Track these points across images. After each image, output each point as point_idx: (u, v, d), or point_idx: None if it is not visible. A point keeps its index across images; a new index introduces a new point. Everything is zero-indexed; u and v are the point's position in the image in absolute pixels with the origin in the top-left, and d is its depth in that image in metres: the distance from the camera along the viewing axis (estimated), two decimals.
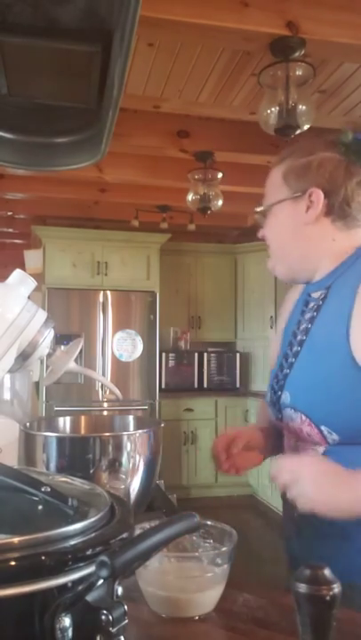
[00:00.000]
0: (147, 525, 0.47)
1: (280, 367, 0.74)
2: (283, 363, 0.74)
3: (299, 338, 0.73)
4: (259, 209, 0.77)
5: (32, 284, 0.65)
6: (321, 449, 0.66)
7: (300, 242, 0.73)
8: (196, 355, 3.87)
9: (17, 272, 0.65)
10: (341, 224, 0.70)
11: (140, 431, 0.73)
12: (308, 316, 0.73)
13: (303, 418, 0.67)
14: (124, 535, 0.37)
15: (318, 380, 0.66)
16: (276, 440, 0.77)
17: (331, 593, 0.40)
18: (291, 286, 0.82)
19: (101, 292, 3.53)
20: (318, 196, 0.70)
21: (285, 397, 0.71)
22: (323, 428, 0.65)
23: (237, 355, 3.96)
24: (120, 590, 0.35)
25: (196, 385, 3.85)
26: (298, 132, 1.63)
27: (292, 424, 0.69)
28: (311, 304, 0.74)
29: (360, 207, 0.69)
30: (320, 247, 0.71)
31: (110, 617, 0.33)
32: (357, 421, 0.62)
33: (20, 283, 0.64)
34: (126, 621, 0.33)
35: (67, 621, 0.33)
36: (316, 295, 0.73)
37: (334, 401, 0.64)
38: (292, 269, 0.75)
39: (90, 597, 0.34)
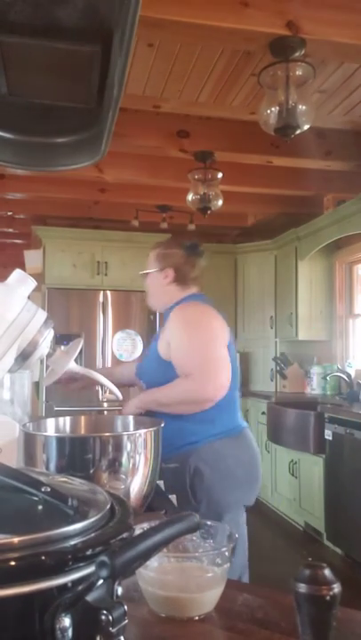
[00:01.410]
0: (147, 525, 0.47)
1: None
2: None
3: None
4: (141, 272, 1.41)
5: (32, 284, 0.65)
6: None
7: (161, 294, 1.38)
8: None
9: (17, 272, 0.65)
10: (180, 285, 1.36)
11: (140, 431, 0.73)
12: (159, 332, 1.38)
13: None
14: (124, 535, 0.37)
15: (146, 364, 1.36)
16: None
17: (331, 593, 0.40)
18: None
19: (101, 292, 3.53)
20: (170, 273, 1.36)
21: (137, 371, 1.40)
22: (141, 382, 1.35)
23: (237, 355, 3.95)
24: (120, 590, 0.35)
25: None
26: (298, 131, 1.63)
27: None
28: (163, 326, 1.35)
29: (191, 279, 1.37)
30: (170, 296, 1.36)
31: (110, 617, 0.33)
32: (155, 381, 1.26)
33: (20, 283, 0.64)
34: (126, 621, 0.33)
35: (67, 621, 0.32)
36: (164, 318, 1.35)
37: (149, 373, 1.33)
38: (158, 306, 1.42)
39: (90, 597, 0.34)
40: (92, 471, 0.64)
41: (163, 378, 1.21)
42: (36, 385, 3.08)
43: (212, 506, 1.12)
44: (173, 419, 1.11)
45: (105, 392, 3.43)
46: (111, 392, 1.00)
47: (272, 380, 3.83)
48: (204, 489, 1.13)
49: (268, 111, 1.65)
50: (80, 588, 0.34)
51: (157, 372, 1.25)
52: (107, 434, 0.71)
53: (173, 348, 1.22)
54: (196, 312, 1.29)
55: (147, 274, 1.37)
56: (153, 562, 0.51)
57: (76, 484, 0.47)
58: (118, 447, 0.66)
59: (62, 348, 0.76)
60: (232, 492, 1.16)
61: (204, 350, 1.22)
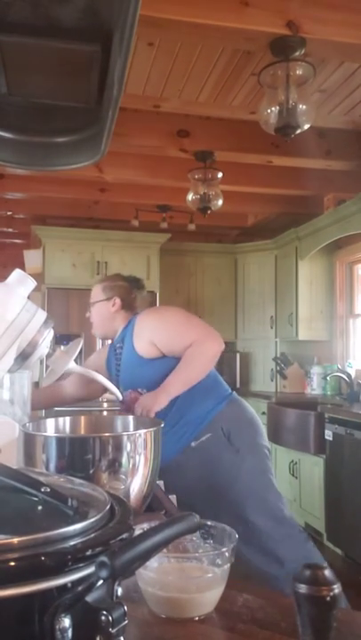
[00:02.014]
0: (147, 526, 0.47)
1: (115, 376, 1.51)
2: (114, 374, 1.53)
3: (117, 365, 1.51)
4: (92, 301, 1.57)
5: (32, 283, 0.64)
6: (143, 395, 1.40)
7: (109, 320, 1.55)
8: None
9: (17, 272, 0.65)
10: (125, 312, 1.54)
11: (139, 431, 0.73)
12: (118, 355, 1.52)
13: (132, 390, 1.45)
14: (124, 536, 0.37)
15: (131, 373, 1.45)
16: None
17: (331, 594, 0.40)
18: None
19: None
20: (117, 301, 1.55)
21: (122, 386, 1.47)
22: (139, 389, 1.43)
23: (237, 355, 3.96)
24: (120, 591, 0.35)
25: None
26: (298, 131, 1.63)
27: (127, 394, 1.44)
28: (117, 351, 1.52)
29: (135, 306, 1.55)
30: (118, 321, 1.54)
31: (110, 617, 0.33)
32: (150, 381, 1.39)
33: (20, 283, 0.63)
34: (126, 622, 0.33)
35: (66, 622, 0.32)
36: (119, 345, 1.52)
37: (139, 377, 1.43)
38: (106, 332, 1.58)
39: (90, 598, 0.33)
40: (91, 471, 0.64)
41: (160, 373, 1.36)
42: (36, 385, 3.08)
43: (253, 448, 1.40)
44: (184, 402, 1.35)
45: (105, 392, 3.42)
46: (111, 392, 1.01)
47: (272, 380, 3.82)
48: (240, 440, 1.38)
49: (269, 111, 1.65)
50: (80, 588, 0.33)
51: (151, 371, 1.39)
52: (106, 434, 0.70)
53: (167, 337, 1.39)
54: (160, 307, 1.60)
55: (93, 305, 1.55)
56: (153, 562, 0.51)
57: (75, 484, 0.47)
58: (118, 447, 0.66)
59: (62, 347, 0.76)
60: (256, 437, 1.43)
61: (189, 318, 1.46)
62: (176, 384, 1.34)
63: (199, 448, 1.35)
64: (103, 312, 1.54)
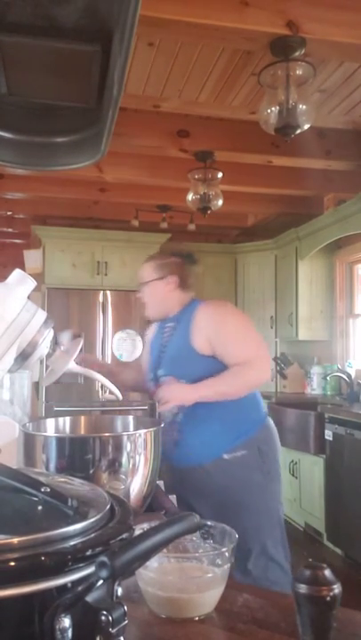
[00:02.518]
0: (147, 526, 0.47)
1: (157, 358, 1.44)
2: (158, 357, 1.44)
3: (162, 345, 1.44)
4: (143, 282, 1.46)
5: (32, 283, 0.64)
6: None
7: (165, 301, 1.45)
8: None
9: (16, 272, 0.65)
10: (181, 291, 1.45)
11: (139, 431, 0.73)
12: (165, 335, 1.44)
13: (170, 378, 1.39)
14: (124, 536, 0.37)
15: (176, 360, 1.38)
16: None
17: (331, 594, 0.40)
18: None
19: (101, 292, 3.53)
20: (174, 279, 1.44)
21: (161, 372, 1.42)
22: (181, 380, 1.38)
23: None
24: (120, 591, 0.35)
25: None
26: (298, 131, 1.63)
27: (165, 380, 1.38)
28: (165, 330, 1.45)
29: (191, 284, 1.46)
30: (175, 302, 1.44)
31: (110, 617, 0.33)
32: (192, 374, 1.34)
33: (20, 283, 0.63)
34: (126, 622, 0.33)
35: (66, 622, 0.32)
36: (169, 325, 1.44)
37: (184, 367, 1.37)
38: (160, 314, 1.46)
39: (90, 598, 0.33)
40: (91, 471, 0.64)
41: (204, 371, 1.31)
42: (36, 385, 3.08)
43: (277, 473, 1.40)
44: (226, 412, 1.32)
45: (105, 392, 3.43)
46: (111, 392, 1.01)
47: (272, 380, 3.82)
48: (270, 463, 1.37)
49: (269, 111, 1.65)
50: (80, 588, 0.33)
51: (197, 366, 1.33)
52: (106, 434, 0.70)
53: (224, 342, 1.32)
54: (229, 307, 1.48)
55: (145, 284, 1.43)
56: (153, 562, 0.51)
57: (75, 484, 0.47)
58: (118, 447, 0.66)
59: (62, 348, 0.76)
60: (279, 462, 1.43)
61: (254, 336, 1.39)
62: (210, 391, 1.29)
63: (232, 463, 1.31)
64: (157, 292, 1.43)
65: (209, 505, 1.30)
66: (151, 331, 1.53)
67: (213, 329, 1.33)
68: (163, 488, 0.98)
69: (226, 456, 1.32)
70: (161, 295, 1.43)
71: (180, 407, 1.32)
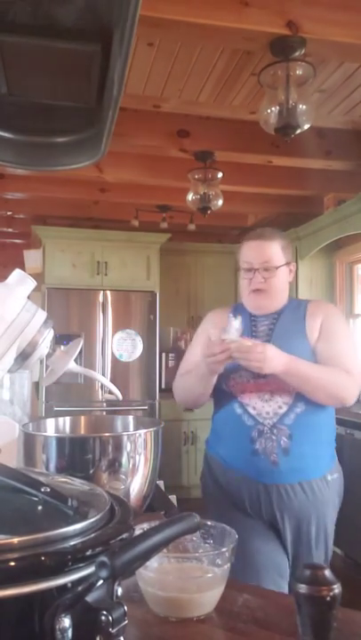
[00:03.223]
0: (147, 526, 0.47)
1: None
2: None
3: (253, 335, 1.23)
4: (270, 267, 1.22)
5: (32, 283, 0.64)
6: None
7: (284, 291, 1.26)
8: None
9: (16, 272, 0.65)
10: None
11: (140, 431, 0.73)
12: (262, 329, 1.25)
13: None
14: (124, 536, 0.37)
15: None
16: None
17: (331, 594, 0.40)
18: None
19: (101, 292, 3.53)
20: (293, 267, 1.28)
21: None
22: None
23: None
24: (120, 591, 0.35)
25: None
26: (298, 131, 1.63)
27: (276, 378, 1.16)
28: (262, 324, 1.25)
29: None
30: (286, 293, 1.27)
31: (110, 617, 0.33)
32: None
33: (20, 283, 0.63)
34: (126, 622, 0.33)
35: (66, 622, 0.32)
36: (267, 320, 1.25)
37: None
38: (275, 305, 1.25)
39: (90, 598, 0.33)
40: (91, 471, 0.64)
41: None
42: (36, 385, 3.08)
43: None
44: (329, 421, 1.22)
45: (105, 392, 3.43)
46: (111, 392, 1.00)
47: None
48: (342, 489, 1.30)
49: (269, 111, 1.65)
50: (80, 588, 0.33)
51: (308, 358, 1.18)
52: (106, 434, 0.70)
53: (336, 342, 1.17)
54: (332, 306, 1.35)
55: (274, 269, 1.20)
56: (153, 562, 0.51)
57: (75, 484, 0.47)
58: (118, 447, 0.66)
59: (62, 348, 0.76)
60: None
61: (354, 346, 1.25)
62: (300, 371, 1.10)
63: (331, 483, 1.20)
64: (284, 279, 1.23)
65: (297, 529, 1.16)
66: (218, 325, 1.19)
67: (331, 326, 1.18)
68: (163, 488, 0.98)
69: (329, 477, 1.19)
70: (285, 284, 1.23)
71: (289, 404, 1.13)
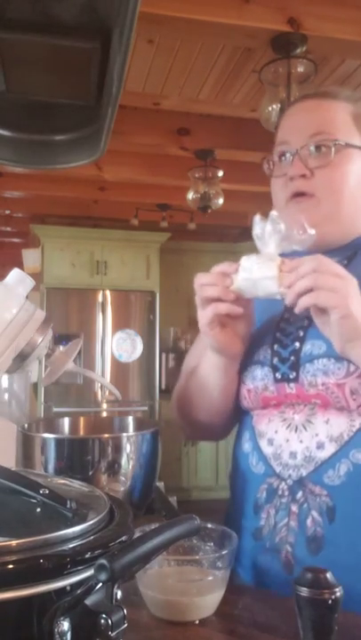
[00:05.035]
0: (146, 528, 0.46)
1: (277, 338, 0.63)
2: (282, 332, 0.63)
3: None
4: (325, 141, 0.59)
5: (30, 283, 0.64)
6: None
7: (359, 203, 0.61)
8: None
9: (15, 271, 0.64)
10: None
11: (139, 432, 0.72)
12: None
13: (351, 368, 0.54)
14: (124, 538, 0.37)
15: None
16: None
17: (333, 597, 0.40)
18: None
19: (101, 292, 3.53)
20: None
21: (311, 350, 0.58)
22: None
23: None
24: (119, 594, 0.34)
25: None
26: None
27: (321, 381, 0.56)
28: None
29: None
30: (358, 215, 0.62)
31: (109, 621, 0.32)
32: None
33: (19, 282, 0.63)
34: (125, 625, 0.33)
35: (65, 625, 0.32)
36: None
37: None
38: (343, 230, 0.61)
39: (89, 601, 0.33)
40: (91, 473, 0.63)
41: None
42: (35, 385, 3.07)
43: None
44: None
45: (104, 393, 3.42)
46: (111, 392, 1.00)
47: None
48: None
49: (270, 108, 1.64)
50: (79, 591, 0.33)
51: None
52: (106, 435, 0.70)
53: None
54: None
55: (340, 147, 0.61)
56: (153, 565, 0.50)
57: (74, 486, 0.47)
58: (118, 449, 0.66)
59: (61, 348, 0.76)
60: None
61: None
62: None
63: None
64: (356, 176, 0.62)
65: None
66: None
67: None
68: (163, 490, 0.98)
69: None
70: (358, 186, 0.63)
71: (343, 441, 0.56)
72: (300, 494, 0.56)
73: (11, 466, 0.59)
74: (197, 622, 0.50)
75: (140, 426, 0.83)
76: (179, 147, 2.41)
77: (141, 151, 2.59)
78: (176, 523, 0.39)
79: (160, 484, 0.77)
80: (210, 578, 0.51)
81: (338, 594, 0.40)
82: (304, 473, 0.56)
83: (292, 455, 0.57)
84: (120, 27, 0.54)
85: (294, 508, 0.56)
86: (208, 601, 0.51)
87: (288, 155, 0.63)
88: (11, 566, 0.32)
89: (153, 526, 0.40)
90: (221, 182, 2.63)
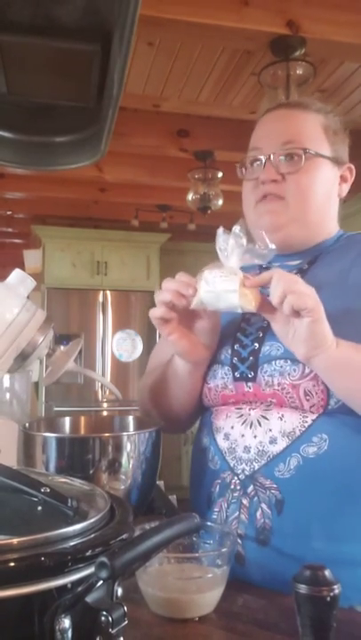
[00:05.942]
0: (147, 526, 0.47)
1: (237, 338, 0.64)
2: (242, 332, 0.64)
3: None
4: (295, 149, 0.62)
5: (31, 283, 0.64)
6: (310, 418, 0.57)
7: (326, 210, 0.67)
8: None
9: (16, 272, 0.65)
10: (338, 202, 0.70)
11: (140, 432, 0.73)
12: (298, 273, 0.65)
13: (306, 370, 0.56)
14: (124, 536, 0.37)
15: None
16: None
17: (331, 594, 0.40)
18: None
19: (101, 292, 3.53)
20: (353, 174, 0.68)
21: (270, 350, 0.59)
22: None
23: None
24: (120, 591, 0.35)
25: None
26: None
27: (278, 382, 0.58)
28: (302, 266, 0.67)
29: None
30: (333, 213, 0.69)
31: (110, 618, 0.33)
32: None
33: (20, 282, 0.63)
34: (126, 622, 0.33)
35: (66, 623, 0.32)
36: (292, 263, 0.67)
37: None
38: (307, 234, 0.65)
39: (89, 598, 0.33)
40: (91, 472, 0.64)
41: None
42: (36, 385, 3.08)
43: None
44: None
45: (105, 392, 3.43)
46: (111, 392, 1.01)
47: None
48: None
49: None
50: (80, 589, 0.33)
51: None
52: (107, 434, 0.70)
53: None
54: None
55: (311, 156, 0.63)
56: (153, 563, 0.51)
57: (75, 484, 0.47)
58: (118, 448, 0.66)
59: (62, 348, 0.76)
60: None
61: None
62: (343, 348, 0.54)
63: None
64: (325, 187, 0.68)
65: None
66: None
67: None
68: (163, 488, 0.98)
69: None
70: (327, 196, 0.67)
71: (295, 436, 0.57)
72: (250, 488, 0.58)
73: (12, 464, 0.59)
74: (197, 619, 0.50)
75: (140, 425, 0.83)
76: (179, 148, 2.41)
77: (142, 152, 2.60)
78: (176, 521, 0.40)
79: (160, 483, 0.78)
80: (209, 575, 0.52)
81: (336, 591, 0.40)
82: (256, 467, 0.58)
83: (246, 449, 0.59)
84: (120, 29, 0.55)
85: (245, 501, 0.58)
86: (208, 598, 0.51)
87: (262, 159, 0.66)
88: (12, 564, 0.32)
89: (153, 524, 0.40)
90: (221, 183, 2.64)
